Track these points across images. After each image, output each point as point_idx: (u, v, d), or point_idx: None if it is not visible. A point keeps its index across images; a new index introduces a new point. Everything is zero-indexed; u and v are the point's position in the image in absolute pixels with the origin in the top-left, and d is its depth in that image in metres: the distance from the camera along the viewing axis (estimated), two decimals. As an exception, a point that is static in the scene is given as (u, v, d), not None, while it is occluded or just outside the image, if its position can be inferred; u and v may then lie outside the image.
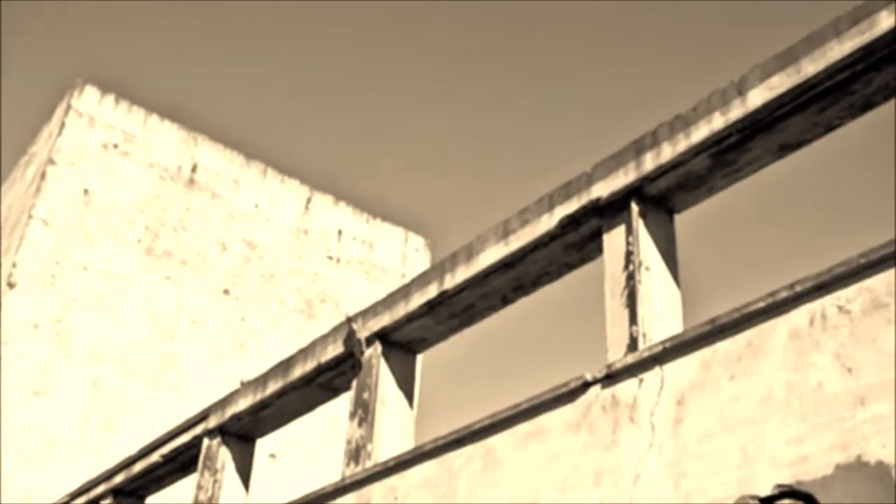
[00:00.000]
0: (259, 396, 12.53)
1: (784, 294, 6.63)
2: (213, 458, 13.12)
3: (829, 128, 7.65)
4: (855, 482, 5.73)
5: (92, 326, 23.71)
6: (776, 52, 7.52)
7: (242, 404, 12.82)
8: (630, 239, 8.35)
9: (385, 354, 10.92)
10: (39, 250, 23.59)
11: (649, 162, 8.31)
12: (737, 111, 7.69)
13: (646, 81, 59.47)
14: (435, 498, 9.06)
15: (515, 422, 8.51)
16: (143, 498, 16.03)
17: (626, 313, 8.10)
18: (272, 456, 24.75)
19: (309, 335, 22.08)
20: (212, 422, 13.36)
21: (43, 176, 24.46)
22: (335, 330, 11.67)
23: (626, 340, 7.95)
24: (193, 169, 27.01)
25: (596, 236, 8.91)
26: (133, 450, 17.22)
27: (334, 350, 11.45)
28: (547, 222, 9.14)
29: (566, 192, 9.04)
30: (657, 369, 7.42)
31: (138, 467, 15.14)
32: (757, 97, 7.56)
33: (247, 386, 12.97)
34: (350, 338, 11.23)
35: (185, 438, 14.05)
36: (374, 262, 29.31)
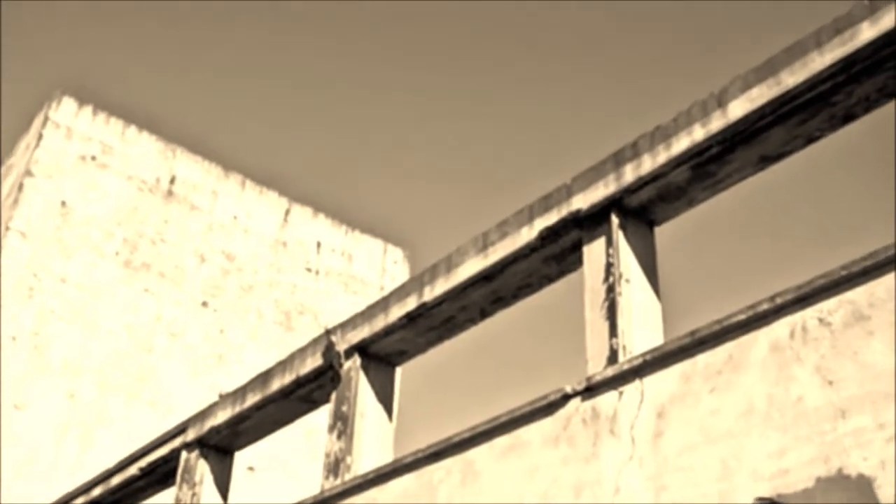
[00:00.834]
0: (238, 409, 12.46)
1: (765, 306, 6.63)
2: (192, 470, 13.04)
3: (810, 139, 7.65)
4: (836, 495, 5.72)
5: (70, 339, 23.54)
6: (757, 64, 7.52)
7: (221, 417, 12.74)
8: (610, 251, 8.33)
9: (364, 367, 10.87)
10: (17, 262, 23.43)
11: (629, 173, 8.29)
12: (717, 123, 7.69)
13: (626, 93, 59.71)
14: (414, 511, 9.01)
15: (495, 435, 8.47)
16: (120, 511, 15.91)
17: (606, 325, 8.07)
18: (251, 469, 24.61)
19: (288, 347, 21.98)
20: (190, 434, 13.28)
21: (20, 188, 24.31)
22: (314, 342, 11.62)
23: (606, 353, 7.92)
24: (172, 181, 26.89)
25: (576, 248, 8.89)
26: (111, 462, 17.08)
27: (313, 362, 11.39)
28: (527, 234, 9.11)
29: (546, 203, 9.01)
30: (637, 382, 7.40)
31: (116, 480, 15.02)
32: (737, 109, 7.56)
33: (225, 398, 12.89)
34: (329, 350, 11.18)
35: (163, 451, 13.95)
36: (352, 274, 29.22)
